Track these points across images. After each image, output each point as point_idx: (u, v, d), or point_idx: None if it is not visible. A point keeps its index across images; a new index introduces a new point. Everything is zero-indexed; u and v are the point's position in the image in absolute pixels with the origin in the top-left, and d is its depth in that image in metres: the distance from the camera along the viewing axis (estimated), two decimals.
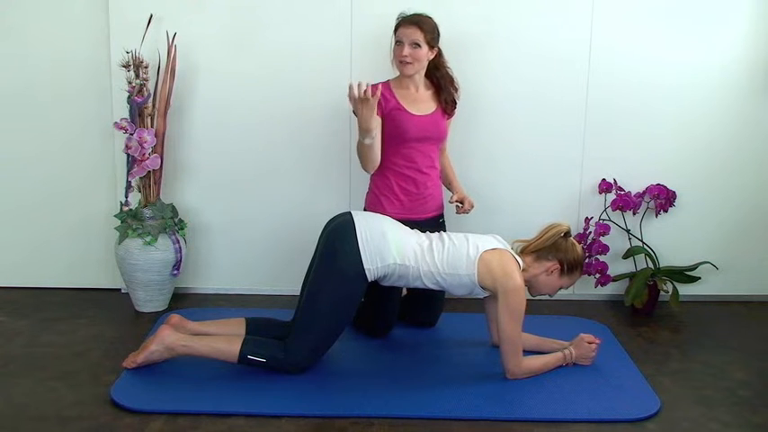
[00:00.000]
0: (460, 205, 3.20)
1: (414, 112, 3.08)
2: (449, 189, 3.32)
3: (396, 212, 3.06)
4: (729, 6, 3.46)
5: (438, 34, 3.08)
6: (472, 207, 3.22)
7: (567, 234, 2.85)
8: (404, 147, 3.09)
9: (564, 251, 2.81)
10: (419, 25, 3.01)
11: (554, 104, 3.51)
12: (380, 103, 3.02)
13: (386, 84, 3.12)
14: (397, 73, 3.12)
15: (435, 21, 3.08)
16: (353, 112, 2.92)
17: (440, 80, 3.16)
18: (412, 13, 3.07)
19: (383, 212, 3.02)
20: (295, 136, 3.51)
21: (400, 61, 3.04)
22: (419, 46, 3.01)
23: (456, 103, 3.21)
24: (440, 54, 3.14)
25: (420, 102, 3.12)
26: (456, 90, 3.19)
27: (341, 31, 3.43)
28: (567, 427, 2.49)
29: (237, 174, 3.55)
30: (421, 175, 3.12)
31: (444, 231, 2.94)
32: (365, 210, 3.18)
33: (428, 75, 3.16)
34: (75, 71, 3.48)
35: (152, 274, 3.34)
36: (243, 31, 3.43)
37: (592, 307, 3.60)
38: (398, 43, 3.04)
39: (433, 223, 3.16)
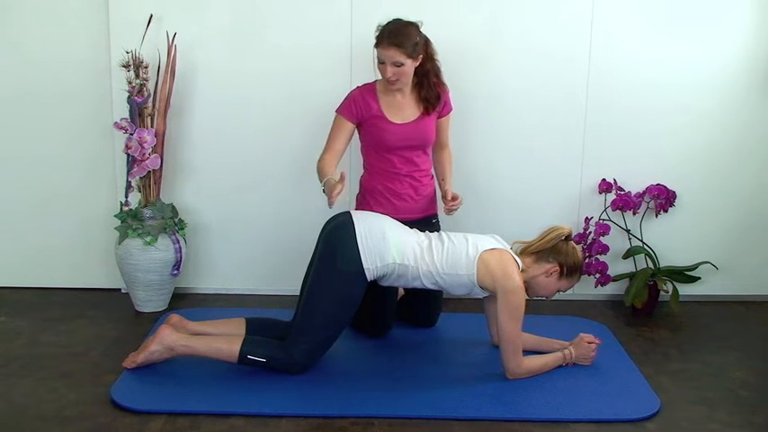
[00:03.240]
0: (453, 204, 3.10)
1: (395, 121, 3.06)
2: (440, 185, 3.25)
3: (384, 213, 3.02)
4: (729, 6, 3.46)
5: (418, 42, 2.97)
6: (457, 200, 3.09)
7: (569, 237, 2.85)
8: (387, 153, 3.09)
9: (564, 254, 2.81)
10: (397, 46, 2.93)
11: (554, 104, 3.51)
12: (359, 108, 3.03)
13: (372, 85, 3.10)
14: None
15: (414, 27, 2.98)
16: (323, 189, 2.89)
17: (422, 78, 3.08)
18: (389, 24, 2.96)
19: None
20: (295, 135, 3.51)
21: (387, 80, 2.99)
22: (402, 64, 2.96)
23: (440, 97, 3.12)
24: (425, 54, 3.05)
25: (405, 108, 3.09)
26: (441, 84, 3.12)
27: (341, 32, 3.43)
28: (567, 427, 2.49)
29: (237, 173, 3.55)
30: (408, 178, 3.12)
31: (441, 231, 2.93)
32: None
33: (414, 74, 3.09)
34: (75, 71, 3.47)
35: (152, 274, 3.34)
36: (243, 32, 3.43)
37: (592, 307, 3.60)
38: (381, 63, 2.99)
39: (426, 223, 3.14)
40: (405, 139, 3.07)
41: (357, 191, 3.27)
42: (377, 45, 2.99)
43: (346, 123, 3.08)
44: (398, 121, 3.07)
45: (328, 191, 2.80)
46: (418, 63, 3.04)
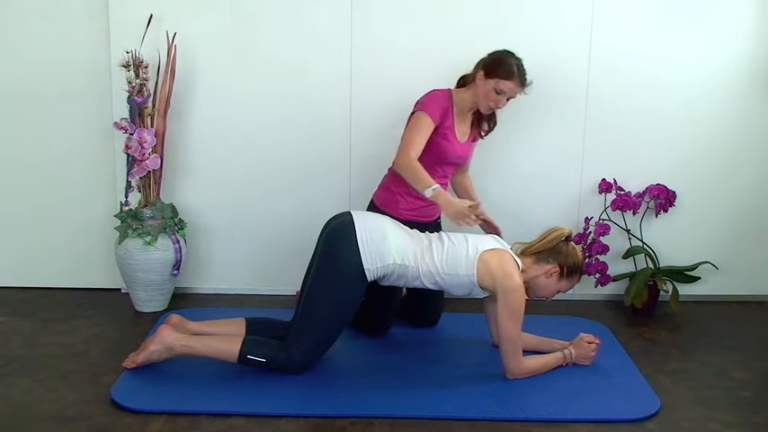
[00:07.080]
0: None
1: (459, 138, 3.09)
2: None
3: (407, 211, 3.07)
4: (729, 6, 3.46)
5: None
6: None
7: (569, 238, 2.85)
8: (437, 165, 3.08)
9: (564, 255, 2.81)
10: (525, 87, 3.03)
11: (554, 104, 3.51)
12: (442, 113, 3.01)
13: (449, 94, 3.09)
14: (452, 86, 3.12)
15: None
16: (453, 214, 2.78)
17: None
18: (515, 59, 3.00)
19: (395, 209, 3.03)
20: (295, 135, 3.51)
21: (490, 106, 3.03)
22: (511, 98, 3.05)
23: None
24: None
25: (464, 127, 3.13)
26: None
27: (341, 34, 3.42)
28: (567, 427, 2.49)
29: (237, 174, 3.55)
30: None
31: (441, 232, 2.94)
32: (373, 204, 3.18)
33: None
34: (76, 71, 3.47)
35: (152, 274, 3.34)
36: (243, 32, 3.43)
37: (592, 307, 3.60)
38: (499, 92, 2.99)
39: (434, 225, 3.19)
40: (459, 156, 3.13)
41: (380, 184, 3.20)
42: (507, 78, 2.98)
43: (431, 123, 2.99)
44: (460, 140, 3.10)
45: (463, 215, 2.73)
46: None
